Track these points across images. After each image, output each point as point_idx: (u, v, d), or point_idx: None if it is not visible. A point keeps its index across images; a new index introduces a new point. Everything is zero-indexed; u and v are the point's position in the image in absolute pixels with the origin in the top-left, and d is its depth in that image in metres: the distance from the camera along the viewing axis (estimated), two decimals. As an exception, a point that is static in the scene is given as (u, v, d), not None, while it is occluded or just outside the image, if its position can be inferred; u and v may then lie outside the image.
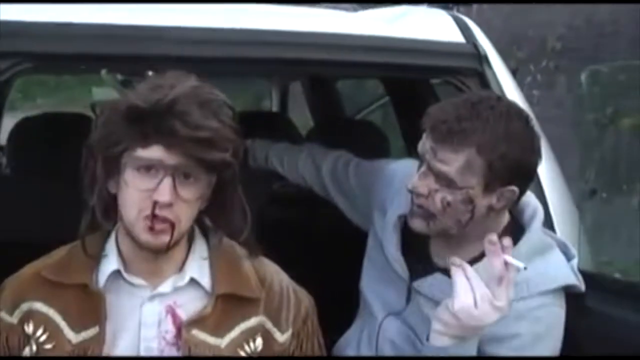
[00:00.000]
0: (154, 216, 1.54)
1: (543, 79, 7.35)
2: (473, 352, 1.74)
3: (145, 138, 1.52)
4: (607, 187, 6.05)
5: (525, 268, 1.66)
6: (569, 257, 1.91)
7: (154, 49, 1.99)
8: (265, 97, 5.30)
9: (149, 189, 1.54)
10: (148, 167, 1.54)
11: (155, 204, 1.53)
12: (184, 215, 1.58)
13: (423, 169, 1.81)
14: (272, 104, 5.10)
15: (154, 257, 1.62)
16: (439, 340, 1.71)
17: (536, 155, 1.82)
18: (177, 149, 1.51)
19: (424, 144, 1.80)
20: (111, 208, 1.61)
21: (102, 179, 1.58)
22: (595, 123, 6.70)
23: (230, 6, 2.23)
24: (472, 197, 1.77)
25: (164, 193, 1.52)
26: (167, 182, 1.53)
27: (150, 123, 1.51)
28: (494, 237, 1.66)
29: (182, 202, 1.55)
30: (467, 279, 1.66)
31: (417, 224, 1.84)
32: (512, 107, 1.84)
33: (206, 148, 1.52)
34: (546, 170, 2.15)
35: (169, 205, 1.53)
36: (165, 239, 1.56)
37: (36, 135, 2.67)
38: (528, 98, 2.37)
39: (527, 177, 1.83)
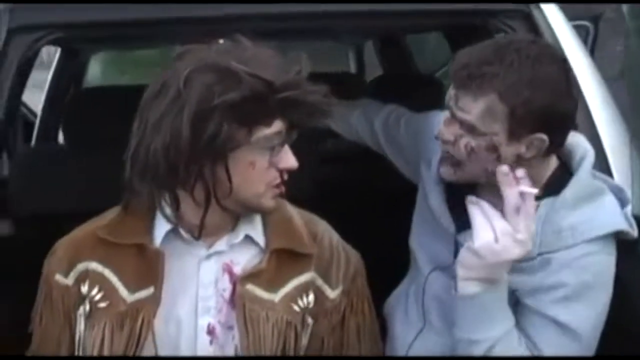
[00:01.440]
0: (282, 183, 1.59)
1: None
2: (505, 298, 1.69)
3: (269, 116, 1.53)
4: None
5: (538, 194, 1.64)
6: (623, 203, 1.81)
7: (222, 9, 1.98)
8: (343, 59, 5.25)
9: (272, 160, 1.56)
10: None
11: (281, 172, 1.57)
12: None
13: (448, 115, 1.75)
14: (350, 67, 5.07)
15: (221, 219, 1.63)
16: (467, 288, 1.67)
17: (569, 102, 1.71)
18: (292, 119, 1.54)
19: (449, 91, 1.74)
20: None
21: (209, 166, 1.54)
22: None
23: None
24: (496, 144, 1.69)
25: (292, 160, 1.57)
26: (288, 149, 1.57)
27: (279, 100, 1.51)
28: (504, 167, 1.63)
29: None
30: (486, 215, 1.63)
31: (445, 172, 1.80)
32: (546, 49, 1.73)
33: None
34: (601, 110, 2.05)
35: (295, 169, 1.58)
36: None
37: (94, 106, 2.70)
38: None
39: (558, 125, 1.72)
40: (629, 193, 1.84)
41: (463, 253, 1.67)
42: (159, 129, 1.51)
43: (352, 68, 5.01)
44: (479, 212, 1.65)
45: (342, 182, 2.74)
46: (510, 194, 1.62)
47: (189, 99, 1.49)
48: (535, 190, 1.63)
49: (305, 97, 1.53)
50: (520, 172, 1.63)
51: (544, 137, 1.69)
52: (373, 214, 2.66)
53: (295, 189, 1.63)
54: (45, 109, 3.67)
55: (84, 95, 2.82)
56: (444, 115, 2.05)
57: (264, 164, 1.55)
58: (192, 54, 1.56)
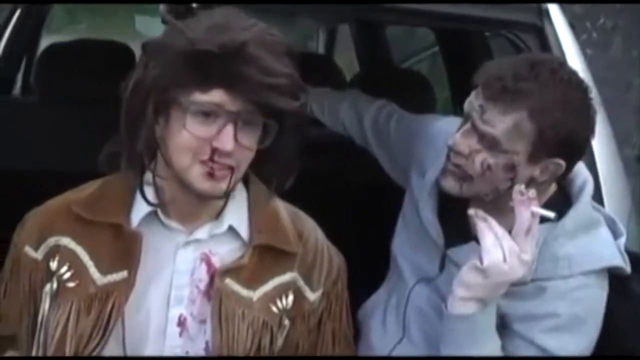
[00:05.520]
0: (213, 162, 1.47)
1: (598, 38, 7.12)
2: (494, 320, 1.67)
3: (205, 82, 1.44)
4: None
5: (556, 217, 1.62)
6: (616, 235, 1.79)
7: None
8: (311, 38, 5.16)
9: (208, 135, 1.46)
10: (207, 113, 1.45)
11: (214, 150, 1.47)
12: (243, 161, 1.51)
13: (467, 126, 1.69)
14: (318, 45, 4.97)
15: (198, 203, 1.55)
16: (463, 307, 1.64)
17: (590, 131, 1.69)
18: (241, 94, 1.44)
19: (472, 101, 1.68)
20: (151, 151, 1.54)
21: (150, 121, 1.48)
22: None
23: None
24: (515, 163, 1.65)
25: (227, 141, 1.45)
26: (229, 129, 1.45)
27: (215, 67, 1.42)
28: (522, 187, 1.60)
29: (243, 148, 1.48)
30: (495, 233, 1.60)
31: (449, 184, 1.73)
32: (574, 75, 1.70)
33: (278, 95, 1.45)
34: (600, 140, 2.02)
35: (229, 153, 1.47)
36: (223, 186, 1.50)
37: (66, 61, 2.58)
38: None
39: (576, 152, 1.70)
40: (621, 226, 1.82)
41: (467, 272, 1.63)
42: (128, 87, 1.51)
43: (321, 47, 4.91)
44: (488, 229, 1.61)
45: (323, 173, 2.66)
46: (525, 214, 1.59)
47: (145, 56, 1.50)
48: (552, 214, 1.61)
49: (245, 70, 1.43)
50: (532, 193, 1.60)
51: (562, 162, 1.67)
52: (353, 209, 2.60)
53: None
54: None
55: (58, 49, 2.69)
56: (442, 122, 2.01)
57: (193, 131, 1.46)
58: None
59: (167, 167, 1.51)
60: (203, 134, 1.46)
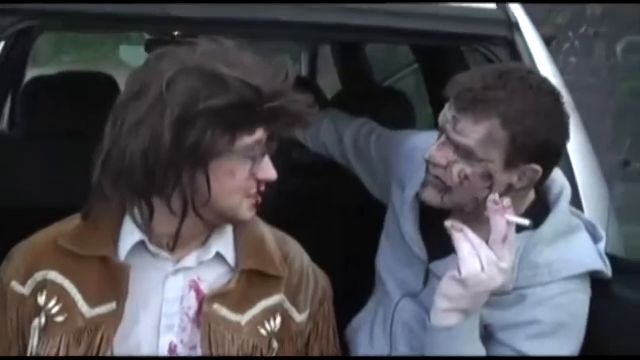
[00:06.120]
0: (259, 193, 1.53)
1: (581, 46, 7.18)
2: (477, 329, 1.68)
3: (254, 124, 1.47)
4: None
5: (532, 224, 1.64)
6: (596, 239, 1.81)
7: (181, 11, 1.91)
8: (295, 61, 5.18)
9: (252, 171, 1.50)
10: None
11: (259, 183, 1.52)
12: None
13: (442, 139, 1.72)
14: (302, 68, 5.00)
15: (204, 231, 1.58)
16: (446, 319, 1.65)
17: (564, 136, 1.72)
18: (275, 128, 1.49)
19: (446, 114, 1.71)
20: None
21: (186, 182, 1.47)
22: (632, 92, 6.55)
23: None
24: (492, 172, 1.67)
25: (271, 171, 1.52)
26: (267, 159, 1.52)
27: (266, 109, 1.45)
28: (496, 196, 1.62)
29: None
30: (472, 243, 1.61)
31: (430, 196, 1.75)
32: (544, 81, 1.73)
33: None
34: (576, 145, 2.04)
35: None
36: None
37: (50, 94, 2.60)
38: (565, 66, 2.26)
39: (552, 158, 1.73)
40: (601, 230, 1.84)
41: (447, 283, 1.64)
42: (137, 132, 1.44)
43: (304, 69, 4.94)
44: (465, 239, 1.62)
45: (309, 194, 2.69)
46: (500, 222, 1.60)
47: (172, 102, 1.42)
48: (527, 221, 1.63)
49: (290, 107, 1.47)
50: (507, 202, 1.62)
51: (538, 168, 1.69)
52: (337, 229, 2.62)
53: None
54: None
55: (40, 83, 2.71)
56: (421, 136, 2.03)
57: (244, 173, 1.50)
58: (174, 55, 1.49)
59: (206, 206, 1.51)
60: (249, 171, 1.49)
